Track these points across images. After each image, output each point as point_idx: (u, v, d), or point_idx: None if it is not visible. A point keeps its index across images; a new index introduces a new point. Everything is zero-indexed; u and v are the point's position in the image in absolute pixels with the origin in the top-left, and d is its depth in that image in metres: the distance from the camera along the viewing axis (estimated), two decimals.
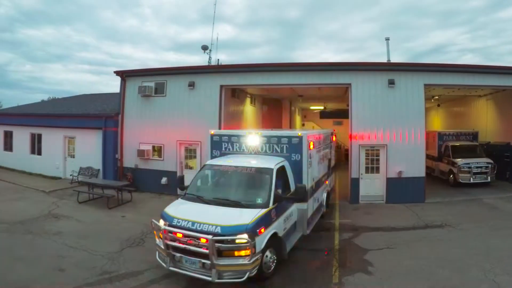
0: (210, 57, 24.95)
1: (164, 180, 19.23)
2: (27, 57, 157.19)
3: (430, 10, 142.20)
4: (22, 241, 11.39)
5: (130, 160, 20.32)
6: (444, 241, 11.39)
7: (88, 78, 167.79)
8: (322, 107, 35.11)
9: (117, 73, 21.24)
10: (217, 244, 7.57)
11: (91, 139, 22.10)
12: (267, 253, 8.45)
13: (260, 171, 9.83)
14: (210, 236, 7.58)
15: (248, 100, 24.90)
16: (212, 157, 12.05)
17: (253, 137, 11.42)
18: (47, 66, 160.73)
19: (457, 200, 17.27)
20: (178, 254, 8.15)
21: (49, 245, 11.12)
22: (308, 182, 10.97)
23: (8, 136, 28.73)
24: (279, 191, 9.50)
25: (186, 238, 7.95)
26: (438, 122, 32.46)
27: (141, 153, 19.40)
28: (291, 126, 32.85)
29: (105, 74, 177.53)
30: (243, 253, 7.79)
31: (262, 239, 8.16)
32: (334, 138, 16.80)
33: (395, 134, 16.81)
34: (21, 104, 39.35)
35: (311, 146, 11.43)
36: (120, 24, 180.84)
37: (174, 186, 17.26)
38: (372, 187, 17.29)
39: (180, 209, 9.11)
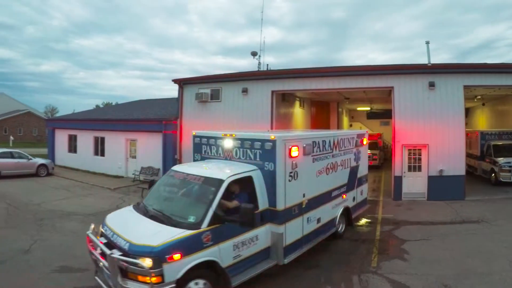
0: (259, 62, 26.67)
1: None
2: (81, 65, 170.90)
3: (475, 5, 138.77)
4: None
5: (188, 160, 22.28)
6: (477, 235, 12.16)
7: (140, 84, 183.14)
8: (368, 108, 36.02)
9: (175, 81, 23.65)
10: (124, 263, 6.69)
11: (151, 141, 24.69)
12: (192, 284, 7.10)
13: (207, 182, 8.43)
14: (109, 252, 6.91)
15: (297, 103, 26.56)
16: (194, 161, 11.41)
17: (227, 140, 9.99)
18: (100, 73, 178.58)
19: (496, 198, 17.77)
20: (101, 264, 7.36)
21: None
22: (284, 200, 8.91)
23: (72, 139, 31.90)
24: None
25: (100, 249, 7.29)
26: (484, 121, 32.64)
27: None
28: (339, 127, 34.02)
29: (156, 79, 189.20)
30: (147, 279, 6.55)
31: (179, 268, 6.83)
32: (365, 141, 14.30)
33: (436, 134, 17.57)
34: (77, 109, 42.39)
35: (294, 154, 9.26)
36: (169, 31, 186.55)
37: None
38: (414, 184, 18.10)
39: (119, 217, 8.63)
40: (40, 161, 26.68)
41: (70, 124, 32.86)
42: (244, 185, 8.68)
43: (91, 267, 8.43)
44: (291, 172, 9.22)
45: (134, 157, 26.15)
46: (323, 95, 26.27)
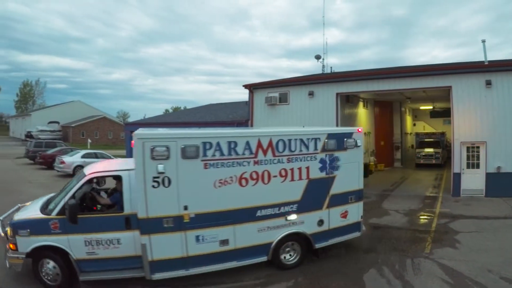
0: (323, 65, 28.29)
1: None
2: (150, 72, 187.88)
3: None
4: None
5: None
6: None
7: (206, 88, 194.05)
8: (431, 107, 36.34)
9: (246, 86, 25.97)
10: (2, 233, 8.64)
11: None
12: (44, 262, 8.16)
13: (80, 176, 9.13)
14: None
15: (361, 104, 27.98)
16: None
17: None
18: (168, 79, 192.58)
19: None
20: None
21: None
22: (146, 208, 7.92)
23: None
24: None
25: None
26: None
27: None
28: (402, 126, 34.74)
29: (222, 83, 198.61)
30: (11, 246, 8.09)
31: (28, 243, 7.87)
32: (357, 143, 10.66)
33: (494, 131, 18.06)
34: (147, 114, 45.81)
35: (158, 155, 7.94)
36: (232, 36, 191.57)
37: None
38: (472, 181, 18.53)
39: (34, 205, 9.64)
40: None
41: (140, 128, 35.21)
42: (118, 184, 8.93)
43: None
44: (156, 177, 7.97)
45: None
46: (386, 95, 27.29)
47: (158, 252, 8.06)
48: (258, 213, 9.10)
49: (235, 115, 28.68)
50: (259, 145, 9.05)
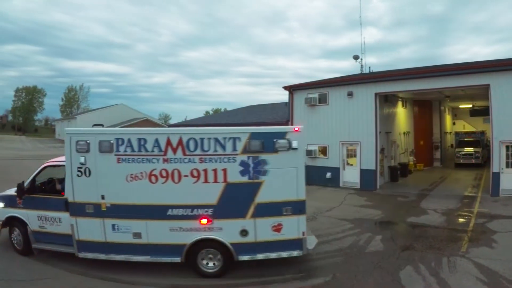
0: (362, 65, 28.57)
1: (328, 174, 23.71)
2: (190, 75, 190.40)
3: None
4: None
5: None
6: None
7: (246, 90, 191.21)
8: (471, 105, 35.82)
9: (286, 88, 26.61)
10: None
11: None
12: (15, 228, 10.77)
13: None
14: None
15: (399, 103, 28.08)
16: None
17: None
18: (208, 82, 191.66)
19: None
20: None
21: None
22: (72, 193, 9.32)
23: None
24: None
25: None
26: None
27: (309, 153, 24.12)
28: (441, 125, 34.51)
29: (261, 85, 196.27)
30: None
31: (3, 212, 10.90)
32: (292, 144, 9.06)
33: None
34: (188, 116, 47.14)
35: (81, 148, 9.23)
36: (270, 38, 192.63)
37: (337, 180, 22.51)
38: None
39: None
40: None
41: None
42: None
43: None
44: (79, 167, 9.17)
45: None
46: (424, 94, 27.22)
47: (83, 233, 9.29)
48: (169, 212, 9.11)
49: (275, 116, 29.21)
50: (169, 143, 9.07)
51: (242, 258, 9.22)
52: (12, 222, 10.67)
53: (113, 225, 9.21)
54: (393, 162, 26.21)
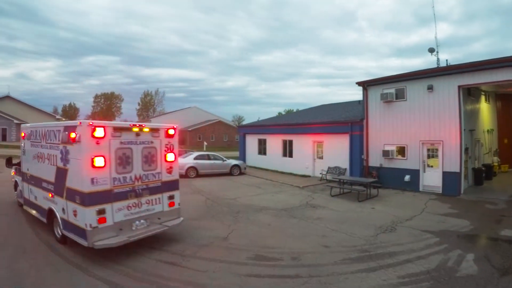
0: (438, 58, 26.35)
1: (407, 177, 21.71)
2: (262, 78, 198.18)
3: None
4: (289, 223, 14.21)
5: (375, 159, 23.35)
6: None
7: (317, 91, 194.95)
8: None
9: (359, 83, 24.99)
10: None
11: (338, 143, 26.34)
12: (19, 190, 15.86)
13: None
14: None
15: (482, 98, 25.65)
16: None
17: None
18: (280, 84, 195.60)
19: None
20: None
21: (312, 227, 13.60)
22: (22, 164, 14.69)
23: (262, 143, 35.66)
24: None
25: None
26: None
27: (386, 153, 22.30)
28: None
29: (333, 86, 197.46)
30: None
31: (15, 178, 16.95)
32: (74, 136, 10.03)
33: None
34: (261, 117, 47.26)
35: (22, 135, 14.64)
36: (340, 39, 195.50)
37: (416, 183, 20.46)
38: None
39: None
40: (234, 162, 30.61)
41: (259, 130, 36.82)
42: None
43: (285, 257, 10.19)
44: (23, 149, 14.30)
45: (321, 157, 28.12)
46: (508, 86, 24.46)
47: (25, 192, 14.22)
48: (43, 184, 11.95)
49: (348, 114, 27.66)
50: (42, 133, 12.18)
51: (64, 232, 10.57)
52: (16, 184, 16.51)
53: (30, 189, 13.40)
54: (476, 163, 23.84)
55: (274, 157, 33.26)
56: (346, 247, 11.12)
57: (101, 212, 9.58)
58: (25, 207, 14.12)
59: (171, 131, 11.73)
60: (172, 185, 11.94)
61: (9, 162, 17.20)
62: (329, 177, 25.47)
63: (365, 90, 24.50)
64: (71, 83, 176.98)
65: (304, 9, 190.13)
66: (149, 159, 11.03)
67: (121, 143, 10.26)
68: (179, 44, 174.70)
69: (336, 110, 33.15)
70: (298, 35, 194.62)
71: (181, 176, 26.28)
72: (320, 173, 26.41)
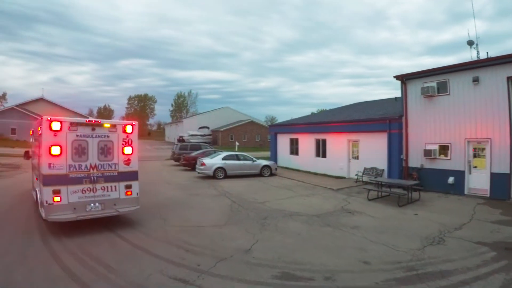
0: (478, 51, 24.47)
1: (451, 179, 20.05)
2: (295, 78, 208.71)
3: None
4: (322, 232, 12.62)
5: (415, 160, 21.70)
6: None
7: (350, 90, 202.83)
8: None
9: (397, 77, 23.31)
10: None
11: (374, 142, 24.77)
12: None
13: None
14: None
15: None
16: None
17: None
18: (313, 84, 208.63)
19: None
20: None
21: (348, 237, 12.02)
22: None
23: (294, 142, 34.45)
24: None
25: None
26: None
27: (427, 153, 20.69)
28: None
29: (366, 85, 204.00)
30: None
31: None
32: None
33: None
34: (294, 117, 46.07)
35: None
36: (373, 38, 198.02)
37: (461, 186, 18.93)
38: None
39: None
40: (264, 162, 29.45)
41: (291, 129, 35.60)
42: None
43: (317, 276, 8.66)
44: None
45: (357, 157, 26.64)
46: None
47: None
48: (35, 171, 14.03)
49: (385, 111, 26.01)
50: (34, 130, 14.35)
51: (39, 209, 12.65)
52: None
53: (33, 177, 15.31)
54: None
55: (306, 157, 32.07)
56: (389, 263, 9.56)
57: (56, 192, 11.30)
58: (32, 192, 16.10)
59: (128, 128, 12.97)
60: (130, 176, 12.96)
61: (27, 154, 18.20)
62: (365, 178, 24.11)
63: (403, 84, 22.89)
64: (107, 86, 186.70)
65: (337, 8, 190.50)
66: (105, 151, 12.42)
67: (77, 135, 11.87)
68: (212, 47, 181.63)
69: (371, 107, 31.65)
70: (330, 35, 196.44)
71: (209, 177, 26.70)
72: (356, 175, 25.07)
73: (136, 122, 13.35)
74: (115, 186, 12.52)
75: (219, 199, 18.52)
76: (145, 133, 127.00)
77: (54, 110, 70.30)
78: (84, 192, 11.82)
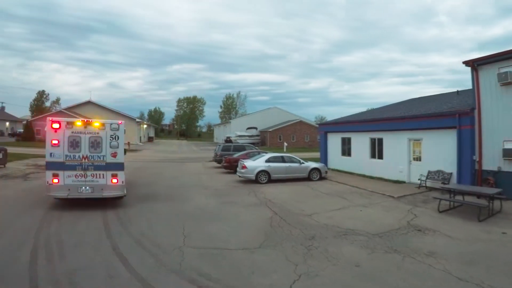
0: None
1: None
2: (344, 78, 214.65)
3: None
4: (388, 263, 9.37)
5: (491, 161, 18.23)
6: None
7: (400, 89, 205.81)
8: None
9: (466, 63, 19.88)
10: None
11: (440, 140, 21.41)
12: None
13: None
14: None
15: None
16: None
17: None
18: (362, 84, 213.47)
19: None
20: None
21: (425, 272, 8.73)
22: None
23: (346, 142, 31.45)
24: None
25: None
26: None
27: (506, 153, 17.21)
28: None
29: (416, 84, 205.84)
30: None
31: None
32: None
33: None
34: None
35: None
36: (421, 36, 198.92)
37: None
38: None
39: None
40: (313, 165, 26.72)
41: (343, 127, 32.68)
42: None
43: None
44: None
45: (419, 159, 23.31)
46: None
47: None
48: None
49: (450, 105, 22.56)
50: None
51: None
52: None
53: None
54: None
55: (360, 158, 29.00)
56: None
57: (55, 175, 14.56)
58: None
59: (114, 125, 15.31)
60: (116, 166, 15.25)
61: None
62: (429, 183, 20.97)
63: (474, 70, 19.31)
64: (158, 90, 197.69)
65: (384, 7, 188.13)
66: (95, 145, 14.98)
67: (72, 132, 14.74)
68: (261, 49, 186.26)
69: (431, 102, 27.97)
70: (378, 34, 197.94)
71: (251, 181, 23.87)
72: (418, 179, 21.74)
73: (123, 121, 16.21)
74: (103, 174, 15.06)
75: (258, 210, 15.90)
76: (196, 135, 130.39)
77: (101, 112, 72.20)
78: (77, 177, 14.77)
